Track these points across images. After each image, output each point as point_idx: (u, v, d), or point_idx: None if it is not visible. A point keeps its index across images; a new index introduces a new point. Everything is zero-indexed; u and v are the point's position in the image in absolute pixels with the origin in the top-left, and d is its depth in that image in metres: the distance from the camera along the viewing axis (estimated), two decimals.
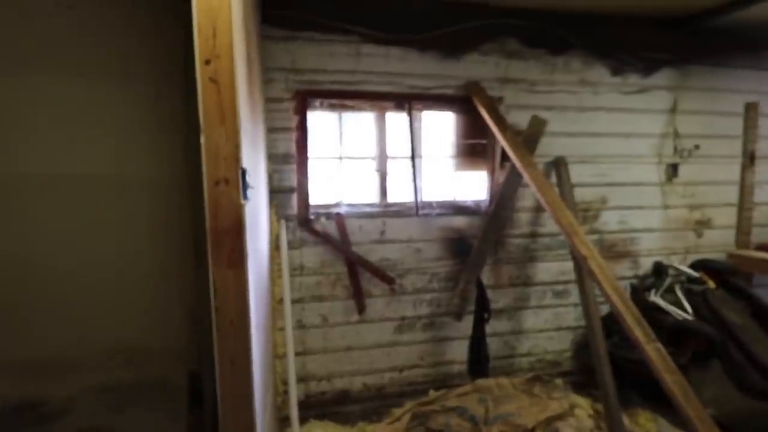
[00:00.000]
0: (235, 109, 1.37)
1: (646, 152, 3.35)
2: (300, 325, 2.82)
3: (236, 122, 1.37)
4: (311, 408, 2.86)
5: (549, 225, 3.17)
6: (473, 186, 3.15)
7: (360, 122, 2.95)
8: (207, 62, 1.35)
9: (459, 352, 3.10)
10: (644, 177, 3.36)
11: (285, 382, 2.63)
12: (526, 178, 2.61)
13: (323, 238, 2.79)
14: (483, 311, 2.93)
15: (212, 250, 1.41)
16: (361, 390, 2.99)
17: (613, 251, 3.35)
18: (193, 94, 2.11)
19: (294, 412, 2.30)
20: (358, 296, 2.88)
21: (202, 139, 1.36)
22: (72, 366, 2.01)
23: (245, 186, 1.44)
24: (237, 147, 1.38)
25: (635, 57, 3.24)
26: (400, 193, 3.01)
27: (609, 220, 3.33)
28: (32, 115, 2.03)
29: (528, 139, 2.86)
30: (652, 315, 2.85)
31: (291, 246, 2.75)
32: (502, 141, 2.74)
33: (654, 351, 1.94)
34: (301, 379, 2.85)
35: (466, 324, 3.02)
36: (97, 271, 2.10)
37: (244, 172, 1.42)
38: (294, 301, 2.77)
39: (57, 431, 1.94)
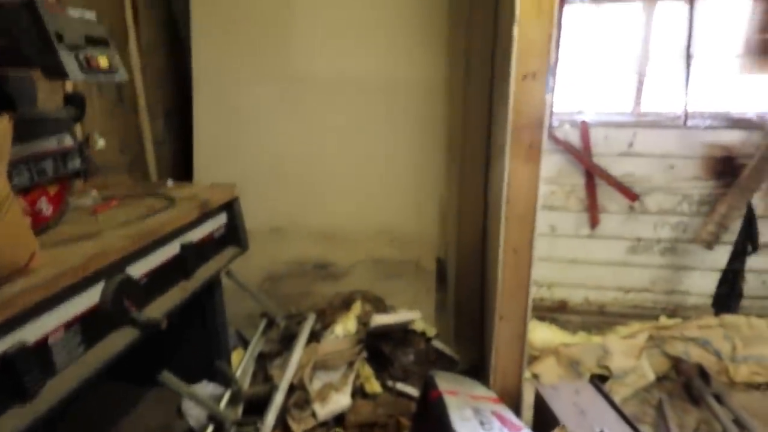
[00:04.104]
0: (554, 1, 1.33)
1: None
2: None
3: (553, 14, 1.34)
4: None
5: None
6: (760, 94, 2.58)
7: (621, 16, 2.60)
8: None
9: (699, 283, 2.80)
10: None
11: None
12: None
13: (563, 147, 2.69)
14: (747, 242, 2.53)
15: (511, 144, 1.48)
16: (581, 303, 2.99)
17: None
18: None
19: None
20: (593, 210, 2.77)
21: (515, 31, 1.38)
22: (351, 239, 2.45)
23: (549, 80, 1.43)
24: (550, 39, 1.36)
25: None
26: (657, 101, 2.65)
27: None
28: (326, 30, 2.33)
29: None
30: None
31: None
32: None
33: None
34: None
35: (716, 255, 2.68)
36: (368, 162, 2.42)
37: (550, 67, 1.41)
38: None
39: (341, 287, 2.45)
